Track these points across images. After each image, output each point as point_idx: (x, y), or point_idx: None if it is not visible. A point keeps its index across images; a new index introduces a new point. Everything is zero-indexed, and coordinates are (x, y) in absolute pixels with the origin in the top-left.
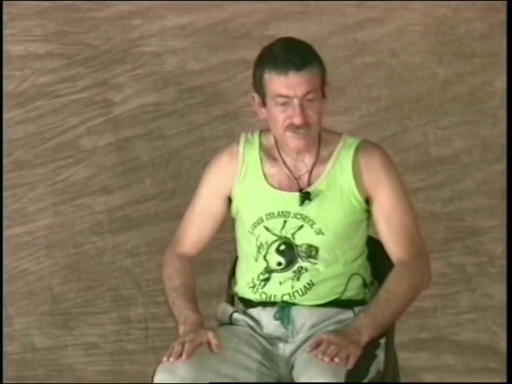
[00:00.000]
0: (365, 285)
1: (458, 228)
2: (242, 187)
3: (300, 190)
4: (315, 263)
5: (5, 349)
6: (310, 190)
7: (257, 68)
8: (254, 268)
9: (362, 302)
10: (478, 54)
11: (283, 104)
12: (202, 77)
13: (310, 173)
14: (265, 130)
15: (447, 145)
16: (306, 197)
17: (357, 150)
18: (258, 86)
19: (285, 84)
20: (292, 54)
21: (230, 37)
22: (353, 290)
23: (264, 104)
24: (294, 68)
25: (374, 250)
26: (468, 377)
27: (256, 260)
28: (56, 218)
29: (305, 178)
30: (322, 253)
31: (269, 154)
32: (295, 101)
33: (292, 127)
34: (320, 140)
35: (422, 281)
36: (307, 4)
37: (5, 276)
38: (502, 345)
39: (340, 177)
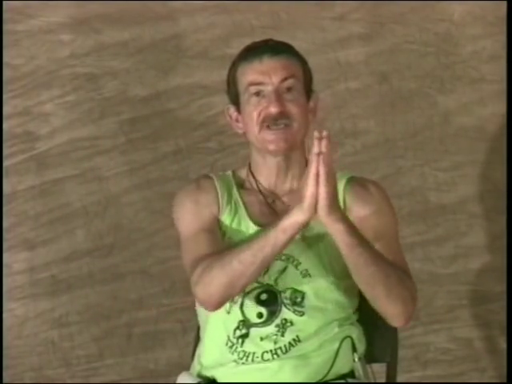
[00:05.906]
0: (354, 348)
1: (463, 293)
2: (222, 218)
3: None
4: (301, 313)
5: None
6: None
7: (230, 71)
8: (225, 323)
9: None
10: (488, 79)
11: (257, 94)
12: (148, 105)
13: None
14: (237, 168)
15: (450, 190)
16: None
17: (349, 180)
18: (232, 91)
19: (258, 70)
20: (267, 41)
21: (182, 56)
22: (344, 357)
23: (240, 112)
24: (269, 52)
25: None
26: None
27: (228, 312)
28: None
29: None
30: (308, 300)
31: (243, 184)
32: (270, 87)
33: (268, 119)
34: (307, 163)
35: (407, 287)
36: (278, 16)
37: None
38: None
39: None
